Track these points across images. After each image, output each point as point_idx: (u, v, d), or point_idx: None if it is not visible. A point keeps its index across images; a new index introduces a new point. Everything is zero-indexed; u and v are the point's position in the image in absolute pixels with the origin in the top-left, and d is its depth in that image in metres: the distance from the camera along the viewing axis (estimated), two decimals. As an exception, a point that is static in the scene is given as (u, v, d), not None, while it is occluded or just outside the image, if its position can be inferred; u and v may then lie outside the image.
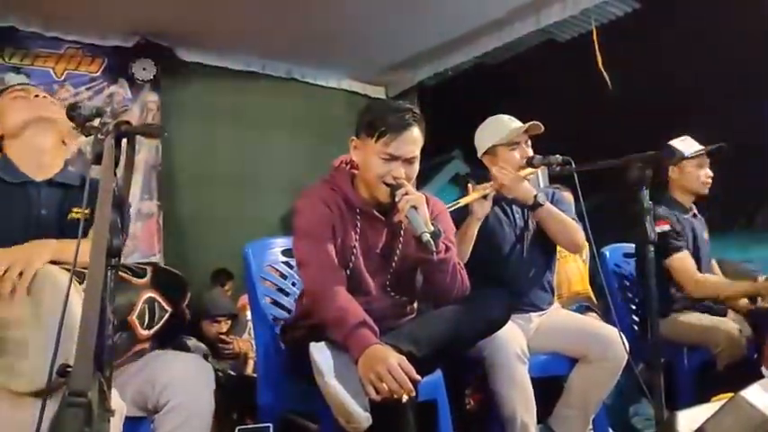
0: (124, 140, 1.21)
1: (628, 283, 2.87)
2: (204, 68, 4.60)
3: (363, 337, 1.56)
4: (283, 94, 4.93)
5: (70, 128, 1.51)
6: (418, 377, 1.51)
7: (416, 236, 1.65)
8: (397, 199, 1.70)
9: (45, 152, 1.71)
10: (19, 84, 1.88)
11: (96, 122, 1.33)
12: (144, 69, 4.39)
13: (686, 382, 2.56)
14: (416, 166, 1.80)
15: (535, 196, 2.25)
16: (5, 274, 1.42)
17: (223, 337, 3.18)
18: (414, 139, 1.76)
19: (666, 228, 2.58)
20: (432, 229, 1.66)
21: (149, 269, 1.65)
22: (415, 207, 1.67)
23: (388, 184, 1.74)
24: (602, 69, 3.53)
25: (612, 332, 2.11)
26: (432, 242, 1.62)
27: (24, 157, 1.69)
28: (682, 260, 2.60)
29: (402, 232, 1.85)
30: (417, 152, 1.78)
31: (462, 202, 2.17)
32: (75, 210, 1.67)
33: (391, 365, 1.48)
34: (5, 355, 1.42)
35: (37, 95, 1.74)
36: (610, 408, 2.33)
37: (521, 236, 2.34)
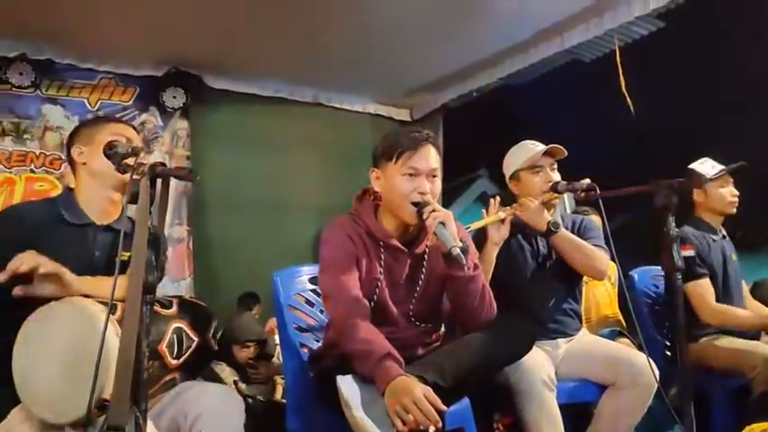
0: (159, 180, 1.27)
1: (658, 307, 2.83)
2: (232, 95, 4.68)
3: (389, 369, 1.58)
4: (310, 119, 4.99)
5: None
6: (444, 407, 1.52)
7: (446, 251, 1.67)
8: (424, 216, 1.72)
9: (111, 202, 1.80)
10: (123, 124, 1.89)
11: (131, 161, 1.40)
12: (174, 97, 4.49)
13: (721, 409, 2.50)
14: (439, 183, 1.83)
15: (548, 223, 2.25)
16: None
17: (252, 362, 3.21)
18: (431, 154, 1.80)
19: (691, 253, 2.54)
20: (461, 244, 1.68)
21: (175, 300, 1.70)
22: (443, 223, 1.69)
23: (414, 204, 1.76)
24: (625, 92, 3.50)
25: (642, 358, 2.08)
26: (462, 256, 1.64)
27: (91, 205, 1.78)
28: (701, 287, 2.56)
29: (425, 262, 1.87)
30: (438, 167, 1.82)
31: (473, 226, 2.17)
32: (123, 253, 1.73)
33: (417, 397, 1.49)
34: (43, 386, 1.47)
35: None
36: (642, 434, 2.29)
37: (543, 263, 2.34)
